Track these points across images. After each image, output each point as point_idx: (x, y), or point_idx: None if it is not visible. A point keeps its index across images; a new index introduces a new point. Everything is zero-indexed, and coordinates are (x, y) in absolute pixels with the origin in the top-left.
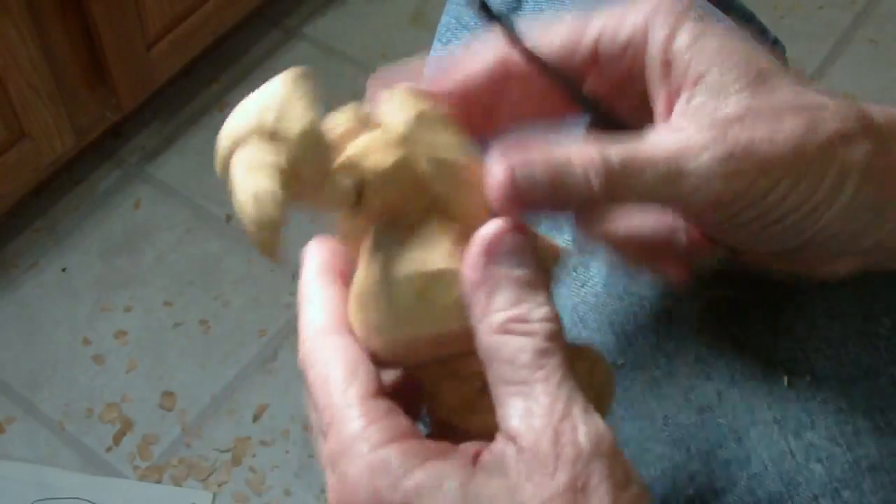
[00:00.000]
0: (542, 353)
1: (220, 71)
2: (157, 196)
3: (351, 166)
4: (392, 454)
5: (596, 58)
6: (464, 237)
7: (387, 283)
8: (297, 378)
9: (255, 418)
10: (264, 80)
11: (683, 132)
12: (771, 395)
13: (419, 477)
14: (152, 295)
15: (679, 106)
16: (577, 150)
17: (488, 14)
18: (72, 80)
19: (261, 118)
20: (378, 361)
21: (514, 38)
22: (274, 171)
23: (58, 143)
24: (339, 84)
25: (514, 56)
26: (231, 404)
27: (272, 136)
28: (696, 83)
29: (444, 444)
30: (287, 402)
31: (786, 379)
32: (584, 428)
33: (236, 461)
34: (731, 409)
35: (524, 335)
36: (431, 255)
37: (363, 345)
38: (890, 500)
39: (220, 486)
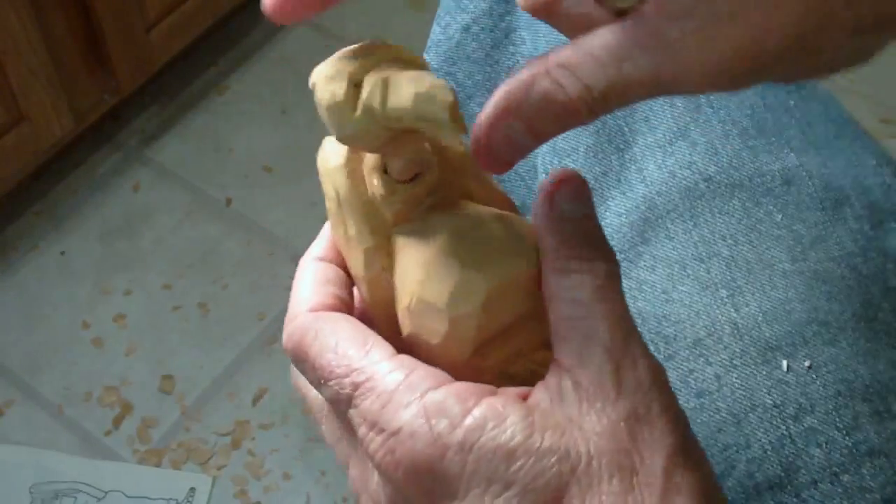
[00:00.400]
0: (601, 289)
1: (220, 54)
2: (156, 179)
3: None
4: (446, 395)
5: None
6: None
7: (474, 229)
8: None
9: (255, 402)
10: (264, 63)
11: (667, 37)
12: (770, 380)
13: (479, 413)
14: (151, 278)
15: None
16: (550, 86)
17: None
18: (71, 62)
19: (387, 45)
20: (454, 343)
21: None
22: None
23: (57, 126)
24: None
25: None
26: (230, 388)
27: (401, 58)
28: None
29: (488, 387)
30: (286, 386)
31: (785, 364)
32: (644, 362)
33: (235, 444)
34: (730, 394)
35: (585, 272)
36: (491, 209)
37: (442, 325)
38: (889, 484)
39: (219, 469)
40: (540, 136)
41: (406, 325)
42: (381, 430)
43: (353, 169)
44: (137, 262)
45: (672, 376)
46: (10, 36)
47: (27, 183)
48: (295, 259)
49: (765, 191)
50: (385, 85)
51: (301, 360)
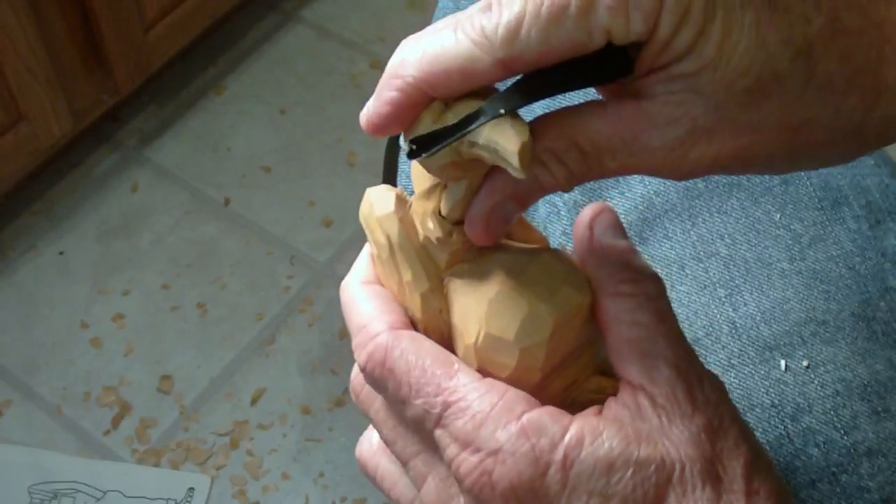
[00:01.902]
0: (659, 311)
1: (218, 54)
2: (154, 179)
3: None
4: (542, 415)
5: None
6: None
7: (534, 265)
8: (295, 362)
9: (253, 402)
10: (262, 63)
11: (646, 143)
12: (768, 380)
13: (576, 430)
14: (150, 278)
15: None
16: (543, 174)
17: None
18: (69, 63)
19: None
20: (523, 372)
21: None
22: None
23: (55, 126)
24: (336, 67)
25: None
26: (229, 388)
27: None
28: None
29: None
30: (285, 386)
31: (783, 363)
32: (708, 376)
33: (234, 445)
34: (728, 393)
35: (640, 295)
36: (539, 246)
37: (511, 357)
38: (887, 483)
39: (217, 469)
40: (526, 206)
41: (473, 362)
42: (477, 450)
43: (402, 216)
44: (136, 261)
45: None
46: (8, 36)
47: (25, 183)
48: (293, 259)
49: (763, 190)
50: (471, 118)
51: (383, 378)
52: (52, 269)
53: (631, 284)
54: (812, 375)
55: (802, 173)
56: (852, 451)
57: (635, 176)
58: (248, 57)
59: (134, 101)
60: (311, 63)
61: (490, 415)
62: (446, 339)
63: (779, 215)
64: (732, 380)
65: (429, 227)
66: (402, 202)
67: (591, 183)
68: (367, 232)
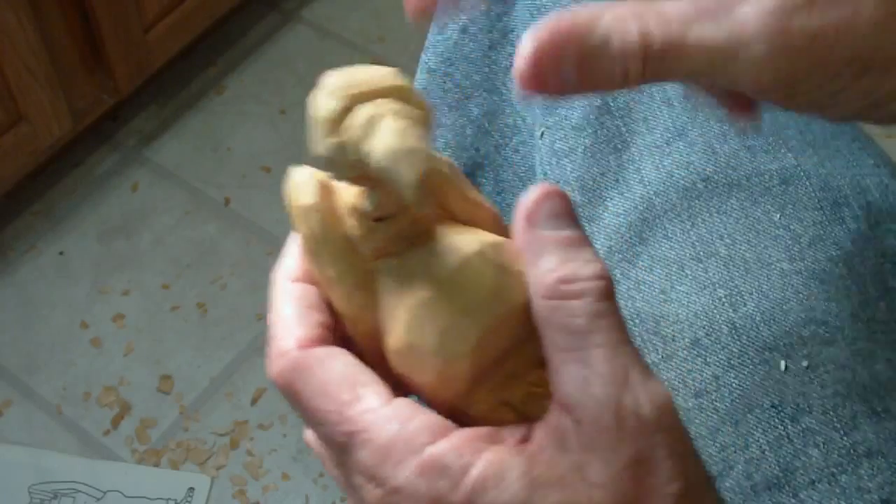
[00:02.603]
0: (596, 315)
1: (218, 54)
2: (154, 179)
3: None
4: (444, 451)
5: None
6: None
7: (460, 268)
8: None
9: (253, 402)
10: (262, 63)
11: (739, 13)
12: (768, 380)
13: (478, 471)
14: (150, 278)
15: None
16: (615, 24)
17: None
18: (69, 63)
19: (399, 83)
20: (446, 383)
21: None
22: (422, 133)
23: (55, 126)
24: (336, 68)
25: None
26: (229, 388)
27: (405, 101)
28: None
29: (488, 430)
30: None
31: (783, 363)
32: (647, 396)
33: (234, 445)
34: (728, 394)
35: (575, 297)
36: (478, 235)
37: (432, 369)
38: (887, 484)
39: (217, 469)
40: (585, 81)
41: (395, 365)
42: (380, 485)
43: (326, 206)
44: (136, 261)
45: (670, 376)
46: (8, 36)
47: (25, 183)
48: None
49: (763, 190)
50: (371, 124)
51: (292, 398)
52: (53, 269)
53: (567, 285)
54: (812, 376)
55: (802, 174)
56: (852, 451)
57: (635, 176)
58: (249, 57)
59: (134, 101)
60: (311, 63)
61: (390, 450)
62: (374, 335)
63: (778, 215)
64: (732, 380)
65: (351, 224)
66: (326, 190)
67: (590, 182)
68: (293, 219)
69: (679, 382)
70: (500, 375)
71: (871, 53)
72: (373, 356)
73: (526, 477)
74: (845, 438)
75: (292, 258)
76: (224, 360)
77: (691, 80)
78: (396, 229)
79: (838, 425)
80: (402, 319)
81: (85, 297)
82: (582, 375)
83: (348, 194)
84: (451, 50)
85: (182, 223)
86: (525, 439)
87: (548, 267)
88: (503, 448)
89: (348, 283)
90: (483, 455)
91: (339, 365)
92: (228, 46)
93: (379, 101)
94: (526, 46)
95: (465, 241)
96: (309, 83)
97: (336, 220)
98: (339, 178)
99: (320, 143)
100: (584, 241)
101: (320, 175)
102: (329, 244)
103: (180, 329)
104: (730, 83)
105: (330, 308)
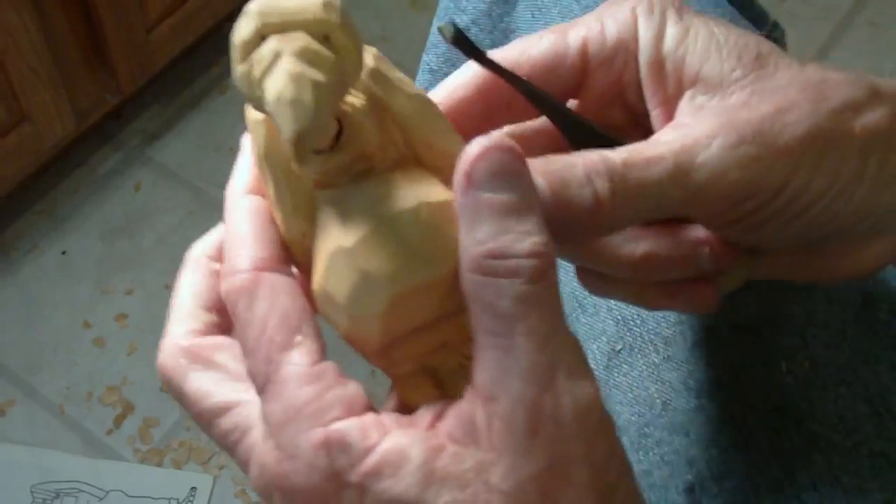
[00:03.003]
0: (524, 300)
1: (221, 54)
2: (157, 179)
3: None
4: (351, 428)
5: (585, 65)
6: (445, 184)
7: (387, 223)
8: None
9: None
10: None
11: (687, 127)
12: (770, 382)
13: (378, 455)
14: (153, 278)
15: (681, 108)
16: (576, 157)
17: (467, 48)
18: (72, 62)
19: (321, 15)
20: (358, 338)
21: (480, 56)
22: (332, 73)
23: (58, 125)
24: None
25: (495, 78)
26: None
27: (325, 39)
28: (694, 82)
29: (406, 415)
30: None
31: (784, 365)
32: (568, 398)
33: None
34: (730, 395)
35: (505, 276)
36: (427, 188)
37: (343, 320)
38: (889, 485)
39: (220, 469)
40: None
41: (316, 304)
42: (279, 446)
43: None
44: (139, 261)
45: (672, 377)
46: (11, 36)
47: (28, 182)
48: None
49: None
50: (274, 60)
51: (234, 318)
52: (55, 268)
53: (499, 260)
54: (814, 377)
55: None
56: (854, 453)
57: None
58: None
59: (137, 101)
60: None
61: (299, 413)
62: (308, 267)
63: None
64: (734, 382)
65: (286, 149)
66: None
67: None
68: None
69: (681, 384)
70: (426, 344)
71: (817, 134)
72: (306, 287)
73: (424, 468)
74: (848, 440)
75: (246, 171)
76: None
77: (662, 205)
78: (335, 164)
79: (841, 427)
80: (323, 262)
81: (88, 297)
82: (502, 365)
83: None
84: (453, 50)
85: (185, 223)
86: (435, 422)
87: (479, 237)
88: (411, 433)
89: (287, 205)
90: (387, 438)
91: (285, 301)
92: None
93: (292, 34)
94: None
95: (403, 194)
96: None
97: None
98: (255, 106)
99: (234, 70)
100: (527, 208)
101: None
102: (272, 162)
103: None
104: (699, 196)
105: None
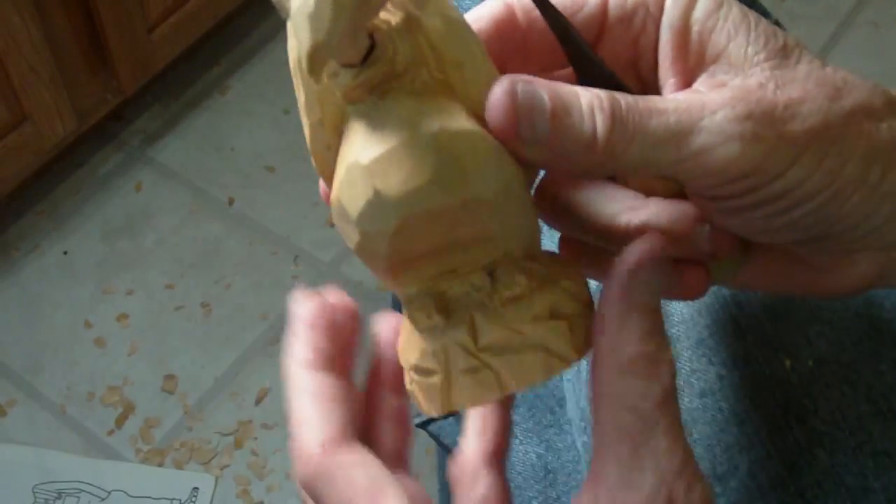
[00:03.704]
0: (665, 401)
1: (222, 54)
2: (158, 179)
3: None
4: None
5: (604, 20)
6: (472, 116)
7: (405, 145)
8: None
9: (257, 401)
10: (266, 63)
11: (700, 94)
12: (773, 380)
13: None
14: (154, 278)
15: (700, 81)
16: (584, 90)
17: None
18: (73, 63)
19: None
20: (368, 253)
21: None
22: (347, 2)
23: (59, 126)
24: None
25: (514, 16)
26: (233, 387)
27: None
28: (717, 58)
29: None
30: None
31: (788, 363)
32: (698, 491)
33: (238, 444)
34: (733, 394)
35: (652, 378)
36: (451, 116)
37: (354, 235)
38: (893, 484)
39: (222, 469)
40: (555, 135)
41: (333, 215)
42: None
43: None
44: (140, 261)
45: (676, 376)
46: (12, 36)
47: (29, 183)
48: (298, 258)
49: None
50: None
51: (317, 502)
52: (56, 268)
53: (646, 363)
54: (817, 375)
55: None
56: (857, 451)
57: None
58: (252, 57)
59: (138, 101)
60: None
61: None
62: (331, 177)
63: None
64: (738, 380)
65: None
66: None
67: None
68: None
69: (684, 382)
70: (436, 267)
71: (826, 131)
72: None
73: None
74: (851, 438)
75: (302, 342)
76: (228, 360)
77: (656, 159)
78: (364, 79)
79: (843, 425)
80: (340, 175)
81: (89, 297)
82: (638, 459)
83: None
84: None
85: (186, 223)
86: None
87: (632, 339)
88: None
89: (314, 115)
90: None
91: (361, 474)
92: (232, 46)
93: None
94: (500, 85)
95: (426, 118)
96: None
97: None
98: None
99: None
100: (662, 320)
101: None
102: (303, 72)
103: (184, 329)
104: (693, 159)
105: (352, 394)
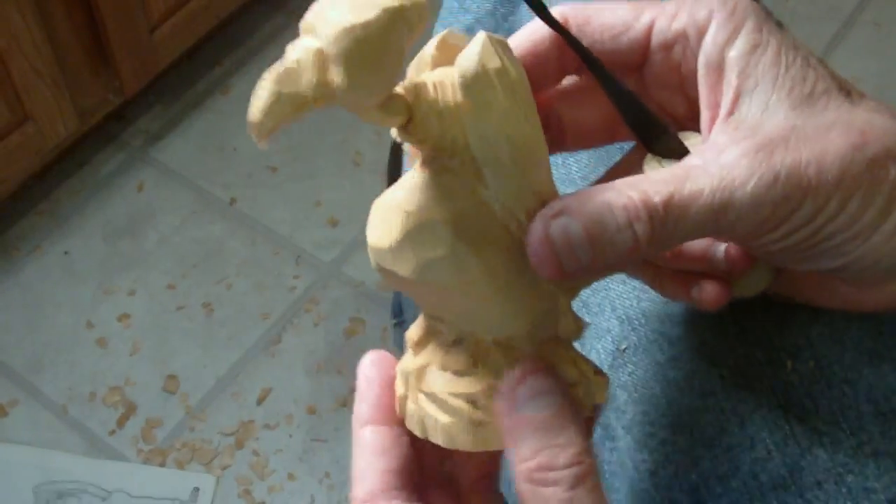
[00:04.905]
0: (573, 499)
1: (224, 54)
2: (160, 179)
3: (411, 90)
4: None
5: (647, 45)
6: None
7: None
8: (301, 362)
9: (259, 402)
10: (268, 63)
11: (725, 158)
12: (774, 380)
13: None
14: (155, 278)
15: (721, 117)
16: (616, 196)
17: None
18: (75, 63)
19: (339, 36)
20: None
21: (544, 13)
22: (308, 66)
23: (61, 126)
24: None
25: (550, 44)
26: (235, 388)
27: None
28: (743, 95)
29: None
30: (291, 386)
31: (789, 364)
32: None
33: (240, 445)
34: (735, 394)
35: (550, 485)
36: (447, 212)
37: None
38: (894, 484)
39: (223, 469)
40: (598, 257)
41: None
42: None
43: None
44: (141, 261)
45: (677, 376)
46: (14, 36)
47: (31, 183)
48: (299, 259)
49: None
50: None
51: None
52: (58, 268)
53: (543, 473)
54: (818, 376)
55: None
56: (858, 451)
57: None
58: (254, 57)
59: (140, 101)
60: None
61: None
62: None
63: None
64: (739, 380)
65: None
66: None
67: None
68: None
69: (685, 383)
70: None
71: (851, 180)
72: None
73: None
74: (852, 438)
75: (366, 403)
76: (230, 360)
77: (697, 237)
78: (408, 143)
79: (844, 425)
80: (374, 211)
81: (90, 297)
82: None
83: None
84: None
85: (188, 223)
86: None
87: (524, 454)
88: None
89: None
90: None
91: None
92: (234, 46)
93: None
94: (534, 234)
95: (431, 203)
96: None
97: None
98: None
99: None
100: (564, 420)
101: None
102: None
103: (186, 329)
104: (731, 229)
105: (404, 448)
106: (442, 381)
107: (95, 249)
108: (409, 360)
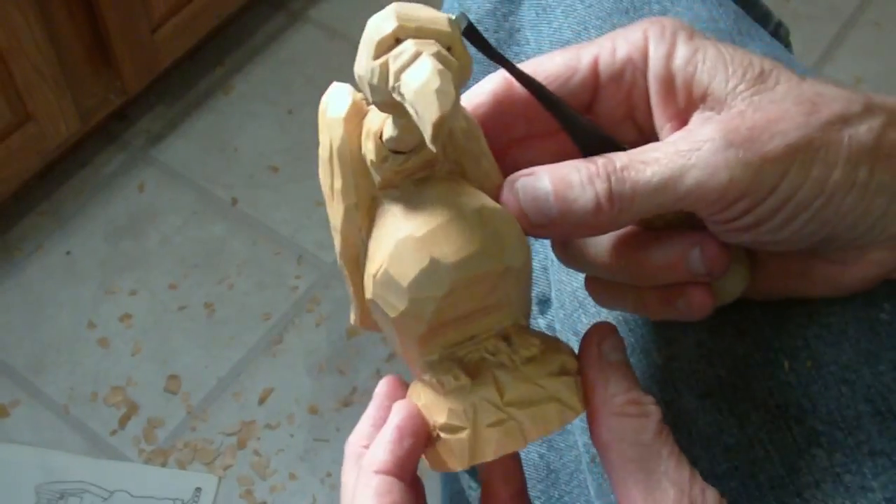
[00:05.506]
0: (661, 432)
1: (225, 54)
2: (161, 179)
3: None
4: None
5: (596, 81)
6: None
7: (455, 219)
8: (303, 362)
9: (261, 402)
10: (269, 63)
11: (689, 132)
12: (772, 381)
13: None
14: (157, 278)
15: (692, 121)
16: (584, 161)
17: (478, 40)
18: (76, 63)
19: (449, 31)
20: (411, 319)
21: (504, 61)
22: (456, 82)
23: (62, 126)
24: (344, 68)
25: (513, 89)
26: (236, 388)
27: (448, 49)
28: (703, 98)
29: None
30: (292, 386)
31: (786, 364)
32: (710, 492)
33: (241, 445)
34: (733, 395)
35: (643, 416)
36: (480, 196)
37: (402, 302)
38: (891, 483)
39: (225, 469)
40: (563, 212)
41: (369, 290)
42: None
43: (352, 124)
44: (143, 262)
45: (674, 377)
46: (15, 36)
47: (33, 183)
48: (301, 259)
49: None
50: (413, 59)
51: None
52: (60, 269)
53: (636, 406)
54: (816, 376)
55: None
56: (856, 451)
57: None
58: (256, 57)
59: (141, 101)
60: (319, 63)
61: None
62: (358, 258)
63: None
64: (737, 380)
65: (368, 147)
66: (356, 108)
67: None
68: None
69: (683, 384)
70: (460, 334)
71: (807, 144)
72: (353, 280)
73: None
74: (849, 438)
75: (382, 450)
76: (231, 360)
77: (658, 203)
78: (409, 166)
79: (842, 425)
80: (388, 249)
81: (92, 297)
82: (654, 481)
83: (376, 120)
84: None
85: (189, 223)
86: None
87: (615, 391)
88: None
89: (350, 199)
90: None
91: None
92: (236, 46)
93: (427, 40)
94: (509, 186)
95: (465, 198)
96: (316, 83)
97: (357, 138)
98: (373, 100)
99: (364, 62)
100: (634, 372)
101: (356, 95)
102: (343, 158)
103: (187, 329)
104: (692, 194)
105: (410, 496)
106: (518, 383)
107: (97, 249)
108: (464, 394)
